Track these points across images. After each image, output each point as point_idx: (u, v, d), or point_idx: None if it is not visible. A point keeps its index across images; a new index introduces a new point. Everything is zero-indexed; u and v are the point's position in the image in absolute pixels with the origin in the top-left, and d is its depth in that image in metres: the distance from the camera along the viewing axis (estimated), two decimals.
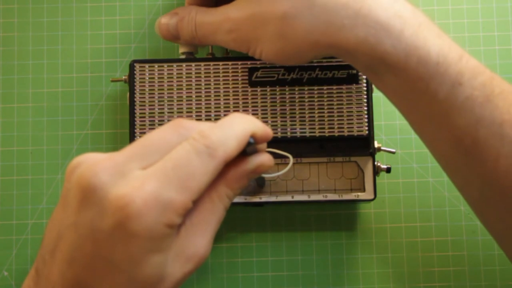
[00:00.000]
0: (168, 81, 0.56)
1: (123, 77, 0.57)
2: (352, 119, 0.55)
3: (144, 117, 0.56)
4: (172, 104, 0.56)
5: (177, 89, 0.56)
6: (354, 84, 0.56)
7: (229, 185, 0.41)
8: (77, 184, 0.37)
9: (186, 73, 0.56)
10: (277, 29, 0.48)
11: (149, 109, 0.56)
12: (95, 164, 0.37)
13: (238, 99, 0.56)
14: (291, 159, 0.49)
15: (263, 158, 0.43)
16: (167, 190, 0.37)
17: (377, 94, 0.60)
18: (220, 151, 0.39)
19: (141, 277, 0.37)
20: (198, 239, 0.39)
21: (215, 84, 0.56)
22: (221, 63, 0.56)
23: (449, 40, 0.47)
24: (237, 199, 0.56)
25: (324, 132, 0.55)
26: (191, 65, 0.56)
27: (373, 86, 0.56)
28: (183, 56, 0.57)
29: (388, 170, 0.57)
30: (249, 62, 0.56)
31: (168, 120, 0.55)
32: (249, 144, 0.40)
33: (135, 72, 0.56)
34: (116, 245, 0.36)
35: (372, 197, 0.56)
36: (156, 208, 0.36)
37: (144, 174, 0.37)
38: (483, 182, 0.46)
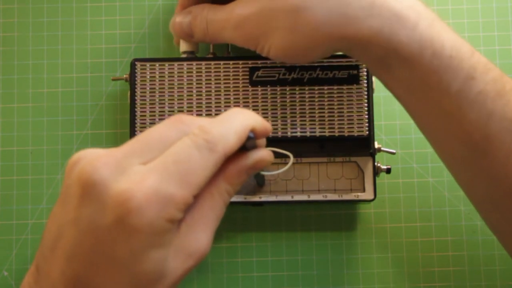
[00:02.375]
0: (169, 80, 0.56)
1: (124, 76, 0.57)
2: (352, 119, 0.55)
3: (145, 116, 0.56)
4: (173, 103, 0.56)
5: (178, 88, 0.56)
6: (355, 85, 0.56)
7: (229, 180, 0.41)
8: (77, 180, 0.37)
9: (187, 72, 0.56)
10: (287, 22, 0.47)
11: (150, 108, 0.56)
12: (95, 160, 0.37)
13: (238, 98, 0.56)
14: (291, 158, 0.49)
15: (263, 153, 0.43)
16: (168, 185, 0.36)
17: (377, 94, 0.60)
18: (220, 145, 0.39)
19: (142, 273, 0.37)
20: (199, 235, 0.39)
21: (216, 83, 0.56)
22: (222, 62, 0.56)
23: (459, 36, 0.47)
24: (237, 199, 0.56)
25: (324, 132, 0.55)
26: (192, 64, 0.56)
27: (374, 87, 0.56)
28: (184, 55, 0.57)
29: (388, 171, 0.57)
30: (250, 62, 0.56)
31: None
32: (249, 138, 0.40)
33: (136, 70, 0.56)
34: (117, 240, 0.36)
35: (372, 197, 0.56)
36: (157, 203, 0.36)
37: (145, 169, 0.37)
38: (491, 180, 0.46)
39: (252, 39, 0.50)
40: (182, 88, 0.56)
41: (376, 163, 0.57)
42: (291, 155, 0.49)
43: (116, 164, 0.37)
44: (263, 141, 0.44)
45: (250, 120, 0.41)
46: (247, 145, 0.41)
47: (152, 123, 0.55)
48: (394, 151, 0.58)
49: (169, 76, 0.56)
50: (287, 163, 0.52)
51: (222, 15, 0.51)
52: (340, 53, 0.55)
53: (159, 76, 0.56)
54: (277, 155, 0.52)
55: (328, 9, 0.46)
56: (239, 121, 0.40)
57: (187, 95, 0.56)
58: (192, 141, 0.38)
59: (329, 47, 0.48)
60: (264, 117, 0.55)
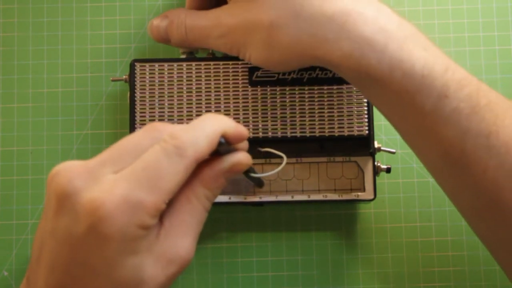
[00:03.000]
0: (168, 81, 0.56)
1: (124, 77, 0.57)
2: (352, 119, 0.55)
3: (145, 116, 0.56)
4: (173, 104, 0.56)
5: (178, 88, 0.56)
6: None
7: (206, 185, 0.41)
8: (54, 192, 0.38)
9: (187, 73, 0.56)
10: (264, 37, 0.48)
11: (150, 108, 0.56)
12: (69, 171, 0.38)
13: (238, 98, 0.56)
14: (285, 159, 0.49)
15: (239, 157, 0.43)
16: (137, 192, 0.37)
17: None
18: (190, 150, 0.39)
19: (119, 280, 0.37)
20: (179, 240, 0.40)
21: (215, 83, 0.56)
22: (221, 62, 0.56)
23: (437, 51, 0.47)
24: (237, 199, 0.56)
25: (324, 132, 0.55)
26: (191, 65, 0.56)
27: None
28: (183, 56, 0.57)
29: (388, 170, 0.57)
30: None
31: (168, 120, 0.55)
32: (220, 144, 0.41)
33: (135, 71, 0.56)
34: (91, 249, 0.37)
35: (372, 197, 0.56)
36: (127, 209, 0.36)
37: (115, 177, 0.38)
38: (472, 194, 0.46)
39: (234, 47, 0.51)
40: (182, 88, 0.56)
41: (376, 163, 0.57)
42: (284, 156, 0.49)
43: (89, 174, 0.38)
44: (244, 145, 0.44)
45: (221, 125, 0.41)
46: (220, 150, 0.41)
47: None
48: (394, 150, 0.58)
49: (168, 77, 0.56)
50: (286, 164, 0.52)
51: (205, 23, 0.52)
52: None
53: (159, 77, 0.56)
54: (275, 155, 0.52)
55: (299, 30, 0.47)
56: (210, 126, 0.41)
57: (187, 96, 0.56)
58: (162, 148, 0.39)
59: (303, 63, 0.49)
60: (264, 117, 0.55)
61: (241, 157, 0.43)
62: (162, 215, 0.39)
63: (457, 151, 0.45)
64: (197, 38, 0.53)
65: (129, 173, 0.38)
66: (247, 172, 0.49)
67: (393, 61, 0.45)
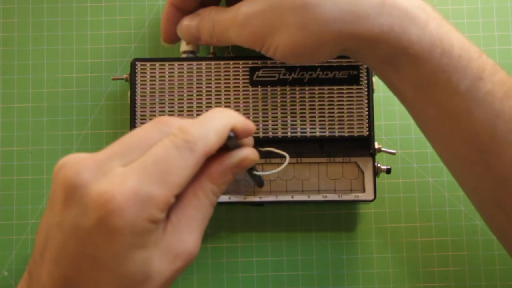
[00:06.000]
0: (169, 80, 0.56)
1: (124, 76, 0.57)
2: (352, 120, 0.55)
3: (145, 115, 0.56)
4: (173, 103, 0.56)
5: (178, 88, 0.56)
6: (355, 85, 0.56)
7: (214, 180, 0.41)
8: (61, 184, 0.38)
9: (187, 72, 0.56)
10: (296, 19, 0.46)
11: (150, 107, 0.56)
12: (77, 163, 0.38)
13: (239, 98, 0.56)
14: (287, 158, 0.49)
15: (247, 152, 0.43)
16: (147, 185, 0.37)
17: (377, 94, 0.60)
18: (200, 145, 0.39)
19: (126, 274, 0.37)
20: (186, 235, 0.40)
21: (216, 83, 0.56)
22: (222, 62, 0.56)
23: (467, 38, 0.47)
24: (237, 199, 0.56)
25: (324, 132, 0.55)
26: (192, 64, 0.56)
27: (374, 87, 0.56)
28: (184, 55, 0.57)
29: (388, 171, 0.57)
30: (250, 62, 0.56)
31: None
32: (229, 138, 0.41)
33: (136, 70, 0.56)
34: (100, 242, 0.37)
35: (372, 197, 0.56)
36: (136, 203, 0.36)
37: (125, 170, 0.38)
38: (497, 180, 0.46)
39: (258, 38, 0.49)
40: (182, 88, 0.56)
41: (376, 164, 0.57)
42: (287, 155, 0.49)
43: (97, 166, 0.38)
44: (250, 141, 0.44)
45: (231, 120, 0.41)
46: (229, 144, 0.41)
47: None
48: (394, 151, 0.58)
49: (169, 76, 0.56)
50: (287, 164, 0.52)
51: (229, 13, 0.50)
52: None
53: (159, 76, 0.56)
54: (275, 155, 0.52)
55: (338, 7, 0.46)
56: (219, 120, 0.41)
57: (187, 95, 0.56)
58: (172, 141, 0.39)
59: (338, 45, 0.47)
60: (264, 117, 0.55)
61: (249, 153, 0.43)
62: (169, 210, 0.39)
63: (487, 134, 0.45)
64: (222, 31, 0.51)
65: (139, 166, 0.37)
66: (251, 169, 0.49)
67: (433, 39, 0.46)
